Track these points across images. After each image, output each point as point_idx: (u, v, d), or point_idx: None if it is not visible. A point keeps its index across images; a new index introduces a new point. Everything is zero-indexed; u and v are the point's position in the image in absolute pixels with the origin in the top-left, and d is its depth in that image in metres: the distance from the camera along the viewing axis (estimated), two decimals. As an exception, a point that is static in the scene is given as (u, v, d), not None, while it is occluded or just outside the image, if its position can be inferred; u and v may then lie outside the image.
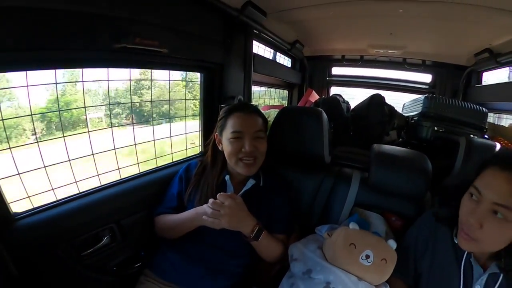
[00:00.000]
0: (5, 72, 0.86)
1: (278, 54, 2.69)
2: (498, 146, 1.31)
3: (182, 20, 1.29)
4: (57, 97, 1.01)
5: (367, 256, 0.92)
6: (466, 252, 0.86)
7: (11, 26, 0.75)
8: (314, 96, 2.79)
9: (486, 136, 1.78)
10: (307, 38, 2.51)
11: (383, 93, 2.24)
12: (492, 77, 2.44)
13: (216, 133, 1.21)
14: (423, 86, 3.01)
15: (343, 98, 2.36)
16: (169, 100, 1.48)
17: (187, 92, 1.68)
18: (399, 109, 2.26)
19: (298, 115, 1.29)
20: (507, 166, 0.72)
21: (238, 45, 1.69)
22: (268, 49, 2.47)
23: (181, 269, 1.11)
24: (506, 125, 2.25)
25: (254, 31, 1.79)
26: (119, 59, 1.13)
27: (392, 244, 0.98)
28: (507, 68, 2.20)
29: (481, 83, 2.48)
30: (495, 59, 1.98)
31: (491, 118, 2.47)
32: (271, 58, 2.59)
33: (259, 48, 2.25)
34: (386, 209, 1.23)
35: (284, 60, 2.94)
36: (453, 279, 0.87)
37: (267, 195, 1.21)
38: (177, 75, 1.63)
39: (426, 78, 3.01)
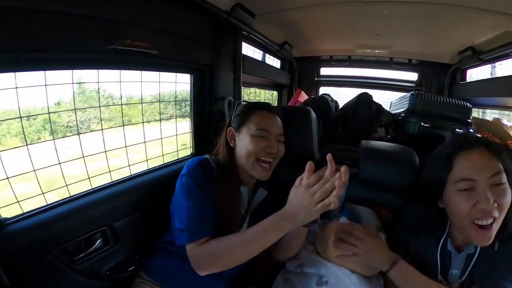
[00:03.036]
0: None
1: (267, 55, 2.71)
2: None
3: (172, 22, 1.30)
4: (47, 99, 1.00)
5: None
6: (443, 238, 0.92)
7: (1, 26, 0.75)
8: (303, 96, 2.82)
9: (471, 130, 1.83)
10: (295, 39, 2.54)
11: (371, 92, 2.26)
12: (475, 74, 2.52)
13: (231, 127, 1.14)
14: (410, 84, 3.07)
15: (332, 98, 2.39)
16: (159, 101, 1.48)
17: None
18: (387, 107, 2.30)
19: (287, 115, 1.30)
20: (474, 145, 0.83)
21: (228, 46, 1.70)
22: (257, 50, 2.50)
23: (181, 275, 1.06)
24: (490, 119, 2.32)
25: (243, 32, 1.81)
26: (110, 60, 1.13)
27: (382, 236, 1.01)
28: (490, 65, 2.28)
29: (465, 80, 2.56)
30: (478, 57, 2.05)
31: (476, 113, 2.54)
32: (260, 59, 2.61)
33: (248, 50, 2.27)
34: (376, 203, 1.27)
35: (273, 62, 2.95)
36: (430, 265, 0.92)
37: (272, 200, 1.10)
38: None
39: (413, 76, 3.07)
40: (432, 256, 0.93)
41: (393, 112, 2.14)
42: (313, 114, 1.37)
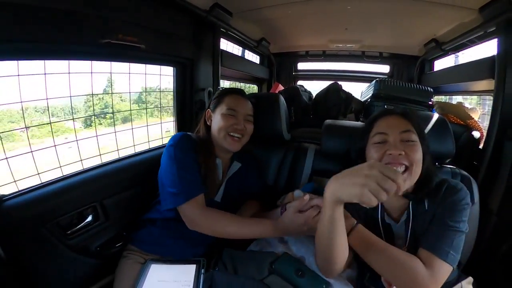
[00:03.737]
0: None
1: (246, 51, 2.85)
2: (435, 115, 1.57)
3: (157, 20, 1.45)
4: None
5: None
6: (379, 212, 1.02)
7: (10, 20, 0.89)
8: (280, 88, 2.95)
9: (435, 112, 2.02)
10: (272, 36, 2.69)
11: (346, 84, 2.45)
12: (442, 64, 2.67)
13: (209, 109, 1.31)
14: (383, 76, 3.22)
15: (305, 88, 2.59)
16: (145, 91, 1.62)
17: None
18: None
19: (258, 100, 1.44)
20: (391, 112, 1.02)
21: (207, 42, 1.85)
22: (237, 46, 2.63)
23: (165, 242, 1.21)
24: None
25: (222, 29, 1.96)
26: (103, 53, 1.27)
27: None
28: (453, 55, 2.43)
29: (433, 70, 2.74)
30: (440, 48, 2.25)
31: (443, 99, 2.74)
32: (239, 55, 2.75)
33: (227, 46, 2.40)
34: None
35: (252, 57, 3.07)
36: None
37: (245, 173, 1.36)
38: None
39: (385, 68, 3.23)
40: (379, 231, 1.01)
41: (362, 99, 2.33)
42: (282, 100, 1.53)
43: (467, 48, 2.14)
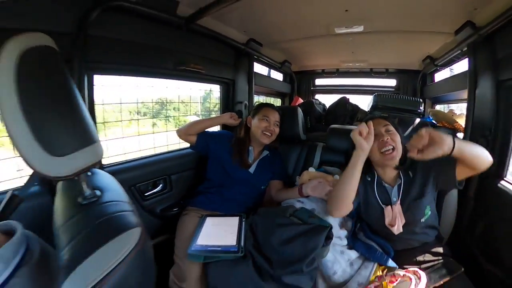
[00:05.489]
0: (119, 76, 1.61)
1: (272, 71, 3.39)
2: (417, 120, 2.04)
3: (211, 52, 2.05)
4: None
5: (320, 182, 1.62)
6: (376, 179, 1.44)
7: (120, 50, 1.45)
8: (300, 101, 3.48)
9: (434, 121, 2.40)
10: (292, 58, 3.20)
11: (358, 97, 2.95)
12: (440, 76, 2.93)
13: (249, 116, 1.90)
14: (390, 89, 3.58)
15: (319, 101, 3.15)
16: (199, 102, 2.24)
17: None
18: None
19: (283, 111, 1.97)
20: (374, 117, 1.49)
21: (244, 66, 2.45)
22: (265, 67, 3.19)
23: (216, 203, 1.72)
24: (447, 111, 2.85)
25: (254, 56, 2.54)
26: (180, 75, 1.88)
27: (336, 177, 1.69)
28: (449, 68, 2.68)
29: (434, 82, 3.00)
30: (434, 63, 2.59)
31: (442, 108, 3.04)
32: (266, 74, 3.31)
33: (260, 68, 2.97)
34: (342, 163, 1.87)
35: (277, 75, 3.56)
36: (374, 197, 1.42)
37: (272, 160, 1.91)
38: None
39: (392, 82, 3.57)
40: (373, 193, 1.42)
41: (367, 110, 2.83)
42: (300, 111, 2.07)
43: (455, 63, 2.47)
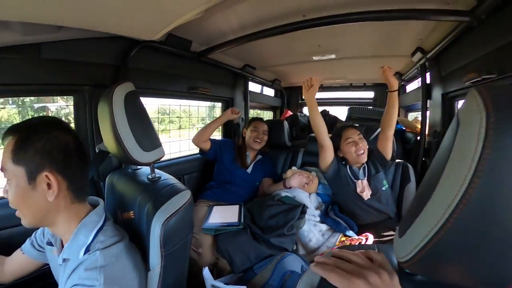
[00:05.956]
0: (146, 97, 2.06)
1: (265, 88, 3.84)
2: (379, 129, 2.54)
3: (214, 75, 2.55)
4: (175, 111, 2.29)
5: (299, 175, 2.10)
6: (348, 167, 2.01)
7: (152, 79, 1.91)
8: (289, 114, 3.92)
9: (403, 127, 2.92)
10: (282, 76, 3.65)
11: (340, 108, 3.44)
12: (410, 88, 3.33)
13: (244, 128, 2.45)
14: (368, 101, 4.02)
15: (304, 114, 3.70)
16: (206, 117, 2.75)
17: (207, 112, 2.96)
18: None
19: (271, 123, 2.53)
20: (350, 127, 2.05)
21: (240, 86, 2.97)
22: (258, 85, 3.67)
23: (222, 195, 2.18)
24: (411, 119, 3.34)
25: (249, 77, 3.04)
26: (191, 96, 2.39)
27: (313, 173, 2.19)
28: (417, 81, 3.00)
29: (405, 93, 3.38)
30: (401, 78, 3.02)
31: (413, 115, 3.53)
32: (259, 91, 3.76)
33: (252, 86, 3.41)
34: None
35: (269, 91, 4.02)
36: (348, 177, 1.96)
37: (264, 162, 2.41)
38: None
39: (370, 94, 4.02)
40: (347, 174, 1.97)
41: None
42: (286, 123, 2.63)
43: (415, 80, 3.01)
